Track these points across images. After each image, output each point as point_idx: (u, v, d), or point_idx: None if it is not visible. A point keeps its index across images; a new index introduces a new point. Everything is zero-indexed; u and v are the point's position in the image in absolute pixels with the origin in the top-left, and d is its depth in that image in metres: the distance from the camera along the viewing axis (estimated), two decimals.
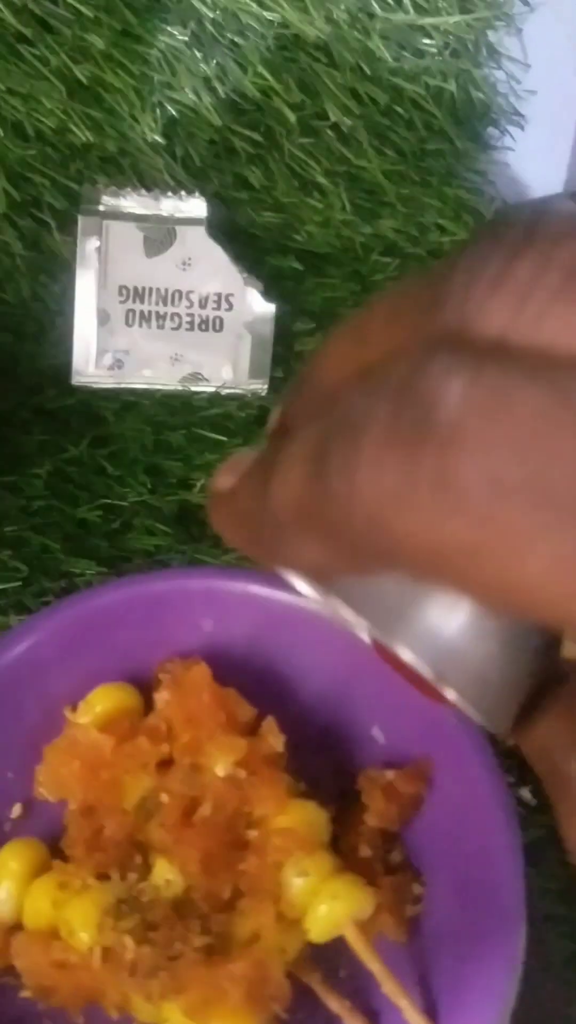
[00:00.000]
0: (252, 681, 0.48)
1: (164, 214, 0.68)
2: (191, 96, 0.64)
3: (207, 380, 0.69)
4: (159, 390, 0.69)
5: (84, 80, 0.61)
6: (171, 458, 0.68)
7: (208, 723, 0.47)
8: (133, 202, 0.68)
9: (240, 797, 0.45)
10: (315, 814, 0.46)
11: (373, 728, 0.49)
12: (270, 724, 0.47)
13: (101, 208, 0.68)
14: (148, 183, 0.68)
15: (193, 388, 0.69)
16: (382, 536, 0.18)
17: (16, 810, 0.49)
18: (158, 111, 0.64)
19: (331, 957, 0.46)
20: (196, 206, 0.68)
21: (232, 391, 0.69)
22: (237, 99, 0.64)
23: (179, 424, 0.69)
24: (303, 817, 0.45)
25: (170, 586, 0.50)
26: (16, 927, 0.47)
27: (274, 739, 0.47)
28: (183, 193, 0.67)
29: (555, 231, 0.19)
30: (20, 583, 0.63)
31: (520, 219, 0.19)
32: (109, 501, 0.66)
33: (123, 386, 0.69)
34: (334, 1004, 0.45)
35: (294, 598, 0.49)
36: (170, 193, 0.68)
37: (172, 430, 0.68)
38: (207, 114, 0.64)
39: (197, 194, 0.67)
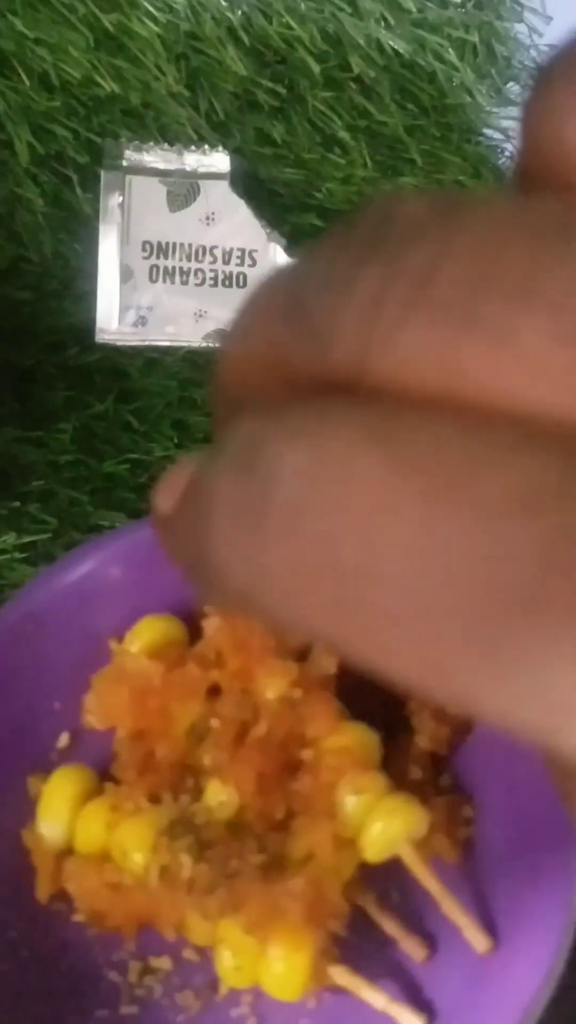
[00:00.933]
0: None
1: (187, 168, 0.68)
2: (216, 46, 0.64)
3: None
4: (183, 347, 0.69)
5: (111, 28, 0.62)
6: (196, 413, 0.68)
7: (258, 648, 0.47)
8: (156, 157, 0.68)
9: (294, 718, 0.45)
10: (367, 735, 0.46)
11: None
12: (321, 648, 0.47)
13: (124, 163, 0.68)
14: (171, 137, 0.68)
15: (217, 344, 0.69)
16: (251, 607, 0.17)
17: (63, 739, 0.49)
18: (183, 62, 0.64)
19: (382, 881, 0.46)
20: (219, 160, 0.68)
21: None
22: (262, 49, 0.64)
23: (203, 380, 0.69)
24: (356, 737, 0.45)
25: None
26: (66, 852, 0.46)
27: (326, 661, 0.46)
28: (206, 147, 0.68)
29: (404, 223, 0.16)
30: (49, 535, 0.63)
31: (371, 213, 0.17)
32: (136, 456, 0.66)
33: (147, 343, 0.69)
34: (389, 926, 0.45)
35: None
36: (193, 147, 0.68)
37: (197, 386, 0.68)
38: (232, 64, 0.64)
39: (220, 148, 0.67)
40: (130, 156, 0.68)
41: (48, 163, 0.69)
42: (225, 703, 0.46)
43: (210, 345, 0.69)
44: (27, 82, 0.64)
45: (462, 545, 0.14)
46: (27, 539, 0.63)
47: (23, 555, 0.62)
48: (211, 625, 0.48)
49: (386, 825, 0.43)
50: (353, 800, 0.44)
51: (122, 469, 0.65)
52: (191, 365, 0.69)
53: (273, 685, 0.46)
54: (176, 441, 0.67)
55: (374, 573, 0.15)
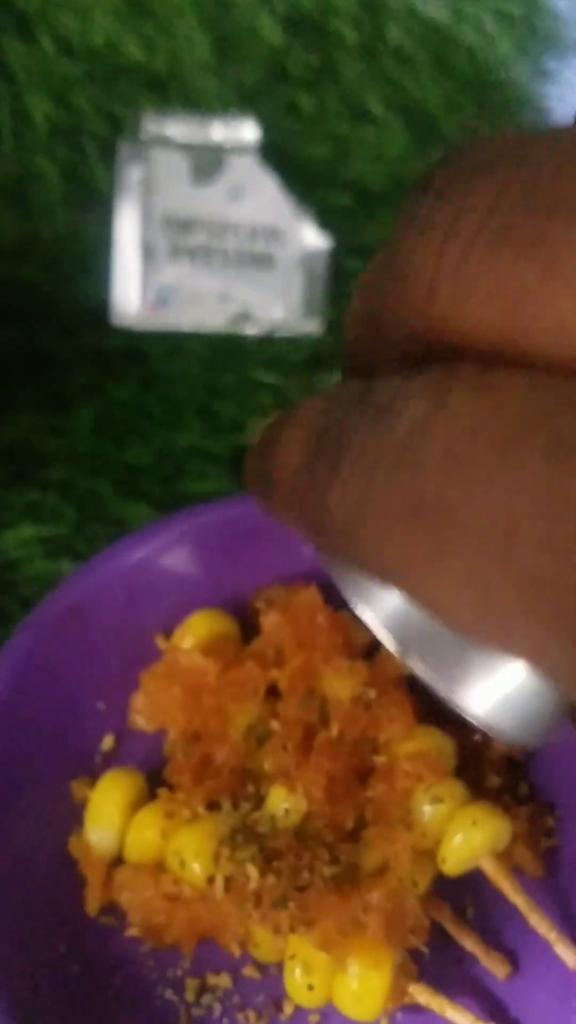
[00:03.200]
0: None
1: (212, 140, 0.65)
2: (248, 14, 0.61)
3: (257, 320, 0.66)
4: (207, 331, 0.66)
5: None
6: (222, 401, 0.64)
7: (323, 646, 0.44)
8: (179, 128, 0.65)
9: (366, 720, 0.42)
10: (443, 739, 0.43)
11: None
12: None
13: (145, 135, 0.65)
14: (196, 107, 0.64)
15: (243, 329, 0.66)
16: (352, 547, 0.18)
17: (107, 742, 0.46)
18: (213, 29, 0.61)
19: (456, 894, 0.43)
20: (247, 132, 0.65)
21: (284, 332, 0.66)
22: (295, 17, 0.61)
23: (229, 366, 0.65)
24: (432, 742, 0.42)
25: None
26: (117, 862, 0.43)
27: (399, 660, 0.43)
28: (233, 118, 0.64)
29: (475, 162, 0.17)
30: (71, 528, 0.59)
31: (449, 155, 0.18)
32: (159, 445, 0.63)
33: (169, 326, 0.66)
34: (468, 942, 0.42)
35: None
36: (219, 118, 0.65)
37: (222, 372, 0.65)
38: (264, 33, 0.61)
39: (248, 119, 0.64)
40: (152, 127, 0.65)
41: (65, 135, 0.65)
42: (288, 704, 0.43)
43: (236, 330, 0.66)
44: (48, 47, 0.61)
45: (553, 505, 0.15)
46: (46, 532, 0.59)
47: (42, 548, 0.58)
48: (270, 621, 0.45)
49: (467, 836, 0.41)
50: (431, 809, 0.41)
51: (145, 459, 0.62)
52: (215, 350, 0.66)
53: (343, 685, 0.43)
54: (202, 430, 0.63)
55: (460, 518, 0.16)
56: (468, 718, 0.23)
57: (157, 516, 0.60)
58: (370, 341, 0.21)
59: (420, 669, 0.23)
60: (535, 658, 0.17)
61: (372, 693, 0.42)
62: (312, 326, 0.65)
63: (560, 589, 0.15)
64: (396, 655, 0.24)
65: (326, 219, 0.67)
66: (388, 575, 0.18)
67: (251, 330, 0.66)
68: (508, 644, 0.17)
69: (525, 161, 0.17)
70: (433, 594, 0.17)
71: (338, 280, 0.67)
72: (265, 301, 0.65)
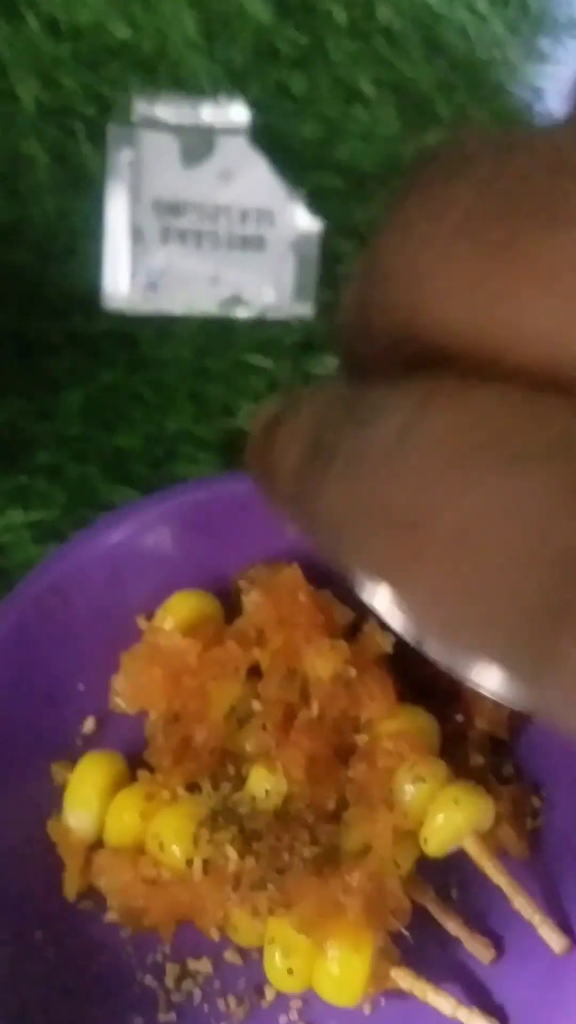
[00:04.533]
0: (340, 593, 0.44)
1: (202, 122, 0.64)
2: None
3: (248, 303, 0.65)
4: (198, 315, 0.65)
5: None
6: (213, 385, 0.64)
7: (305, 626, 0.43)
8: (169, 110, 0.64)
9: (347, 699, 0.42)
10: (425, 718, 0.42)
11: None
12: (373, 625, 0.43)
13: (134, 117, 0.64)
14: (186, 90, 0.64)
15: (234, 312, 0.65)
16: (338, 550, 0.19)
17: (89, 724, 0.45)
18: (200, 9, 0.61)
19: (440, 876, 0.43)
20: (237, 113, 0.64)
21: (276, 315, 0.65)
22: None
23: (220, 349, 0.65)
24: (414, 721, 0.42)
25: (251, 489, 0.46)
26: (96, 845, 0.42)
27: (381, 639, 0.43)
28: (223, 99, 0.64)
29: (456, 162, 0.17)
30: (59, 512, 0.59)
31: (429, 153, 0.18)
32: (149, 429, 0.62)
33: (159, 310, 0.65)
34: (452, 925, 0.41)
35: None
36: (209, 99, 0.64)
37: (213, 356, 0.65)
38: (253, 12, 0.60)
39: (238, 100, 0.64)
40: (141, 109, 0.64)
41: (54, 116, 0.65)
42: (269, 683, 0.42)
43: (227, 314, 0.65)
44: (34, 27, 0.60)
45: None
46: (35, 516, 0.59)
47: (31, 533, 0.58)
48: (251, 601, 0.44)
49: (449, 816, 0.40)
50: (413, 789, 0.40)
51: (135, 443, 0.62)
52: (207, 334, 0.65)
53: (323, 664, 0.42)
54: (192, 414, 0.63)
55: (429, 529, 0.16)
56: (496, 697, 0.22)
57: None
58: (362, 340, 0.21)
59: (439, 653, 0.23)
60: (488, 679, 0.16)
61: (353, 672, 0.41)
62: (304, 309, 0.65)
63: (516, 602, 0.16)
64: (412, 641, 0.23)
65: (318, 201, 0.66)
66: (369, 581, 0.18)
67: (242, 313, 0.65)
68: (467, 662, 0.17)
69: (505, 162, 0.17)
70: (407, 602, 0.17)
71: (330, 262, 0.66)
72: (256, 284, 0.64)
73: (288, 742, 0.41)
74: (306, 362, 0.64)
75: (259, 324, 0.65)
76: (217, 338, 0.65)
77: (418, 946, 0.40)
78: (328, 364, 0.63)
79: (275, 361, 0.64)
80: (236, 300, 0.65)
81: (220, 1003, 0.42)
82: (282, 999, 0.41)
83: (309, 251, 0.65)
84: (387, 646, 0.42)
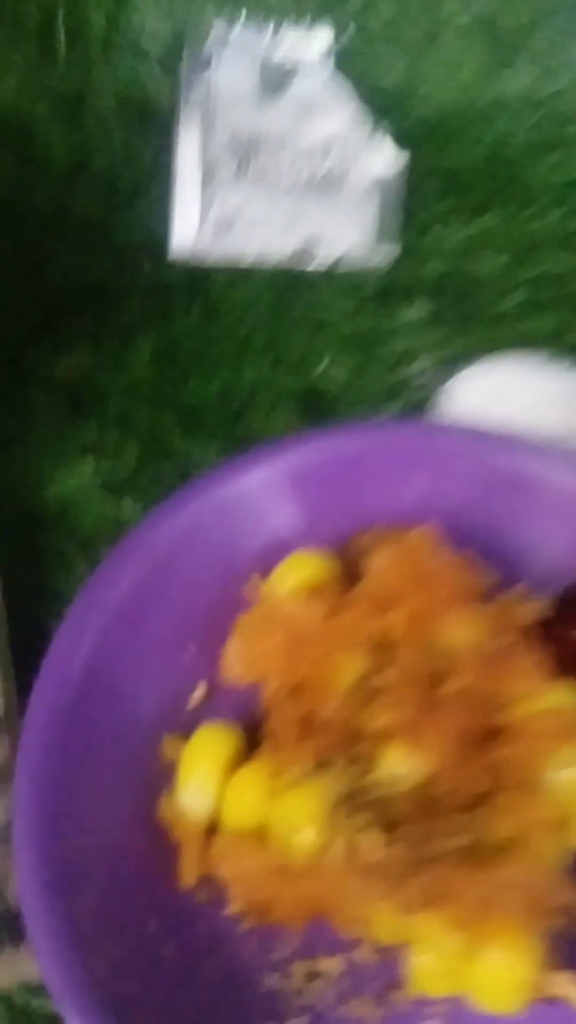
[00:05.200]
0: (479, 555, 0.40)
1: (281, 52, 0.59)
2: None
3: (327, 247, 0.60)
4: (273, 259, 0.61)
5: None
6: (290, 334, 0.59)
7: (442, 590, 0.39)
8: (248, 35, 0.59)
9: (495, 673, 0.38)
10: None
11: None
12: (519, 591, 0.39)
13: (210, 43, 0.59)
14: (265, 13, 0.59)
15: (312, 256, 0.61)
16: None
17: (199, 691, 0.41)
18: None
19: None
20: (319, 43, 0.59)
21: (356, 261, 0.61)
22: None
23: (297, 297, 0.60)
24: (569, 698, 0.38)
25: (376, 442, 0.42)
26: (213, 829, 0.38)
27: (530, 605, 0.39)
28: (305, 26, 0.59)
29: None
30: (133, 465, 0.55)
31: None
32: (224, 380, 0.58)
33: (232, 255, 0.61)
34: None
35: (527, 456, 0.41)
36: (289, 28, 0.59)
37: (290, 303, 0.60)
38: None
39: (322, 27, 0.59)
40: (218, 34, 0.59)
41: (124, 47, 0.60)
42: (404, 653, 0.38)
43: (303, 259, 0.61)
44: None
45: None
46: (106, 470, 0.54)
47: (103, 488, 0.54)
48: (379, 562, 0.40)
49: None
50: (567, 773, 0.36)
51: (210, 394, 0.57)
52: (283, 280, 0.61)
53: (466, 633, 0.38)
54: (269, 364, 0.58)
55: None
56: None
57: (224, 455, 0.55)
58: None
59: None
60: None
61: (500, 642, 0.37)
62: (385, 253, 0.60)
63: None
64: None
65: (401, 140, 0.62)
66: None
67: (321, 257, 0.61)
68: None
69: None
70: None
71: (412, 206, 0.61)
72: (336, 226, 0.60)
73: (432, 718, 0.37)
74: (388, 311, 0.60)
75: (337, 270, 0.61)
76: (294, 284, 0.60)
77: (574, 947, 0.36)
78: (411, 314, 0.59)
79: (355, 309, 0.60)
80: (313, 244, 0.60)
81: (355, 1005, 0.38)
82: (424, 1002, 0.37)
83: (391, 192, 0.60)
84: (537, 614, 0.38)
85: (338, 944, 0.38)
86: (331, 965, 0.38)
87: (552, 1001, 0.36)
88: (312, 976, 0.38)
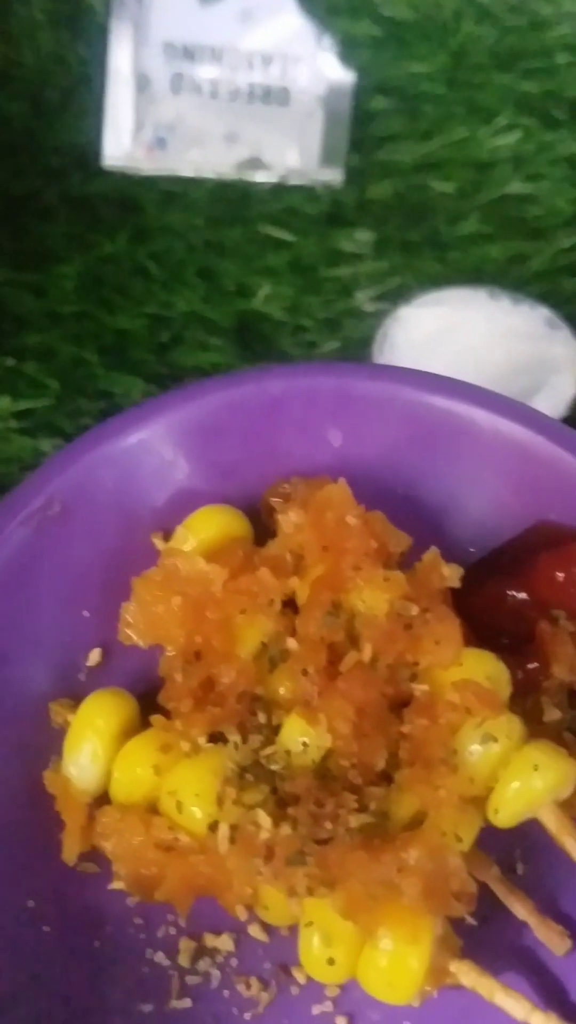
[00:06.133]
0: (391, 511, 0.38)
1: None
2: None
3: (269, 166, 0.57)
4: (210, 178, 0.57)
5: None
6: (227, 259, 0.56)
7: (354, 552, 0.36)
8: None
9: (407, 641, 0.35)
10: (495, 665, 0.36)
11: (555, 573, 0.38)
12: (435, 555, 0.37)
13: None
14: None
15: (252, 176, 0.57)
16: None
17: (94, 656, 0.39)
18: None
19: (503, 849, 0.37)
20: None
21: (300, 181, 0.57)
22: None
23: (235, 219, 0.57)
24: (484, 668, 0.35)
25: (291, 386, 0.39)
26: (100, 801, 0.36)
27: (448, 571, 0.36)
28: None
29: None
30: (52, 401, 0.52)
31: None
32: (154, 309, 0.55)
33: (166, 171, 0.57)
34: (520, 908, 0.36)
35: (453, 402, 0.38)
36: None
37: (227, 226, 0.57)
38: None
39: None
40: None
41: None
42: (309, 619, 0.36)
43: (244, 178, 0.57)
44: None
45: None
46: (25, 405, 0.52)
47: (20, 424, 0.51)
48: (289, 521, 0.37)
49: (526, 783, 0.34)
50: (481, 749, 0.34)
51: (138, 324, 0.54)
52: (220, 200, 0.57)
53: (377, 598, 0.35)
54: (202, 294, 0.55)
55: None
56: None
57: (151, 391, 0.52)
58: None
59: None
60: None
61: (414, 609, 0.35)
62: (331, 175, 0.57)
63: None
64: None
65: (350, 50, 0.58)
66: None
67: (261, 178, 0.57)
68: None
69: None
70: None
71: (361, 123, 0.58)
72: (278, 143, 0.57)
73: (333, 689, 0.35)
74: (332, 235, 0.56)
75: (280, 191, 0.57)
76: (232, 206, 0.57)
77: (480, 934, 0.34)
78: (357, 239, 0.55)
79: (297, 234, 0.56)
80: (255, 162, 0.57)
81: (241, 987, 0.36)
82: (315, 985, 0.36)
83: (339, 107, 0.57)
84: (453, 579, 0.36)
85: (227, 921, 0.36)
86: (220, 943, 0.36)
87: (456, 991, 0.34)
88: (199, 954, 0.36)
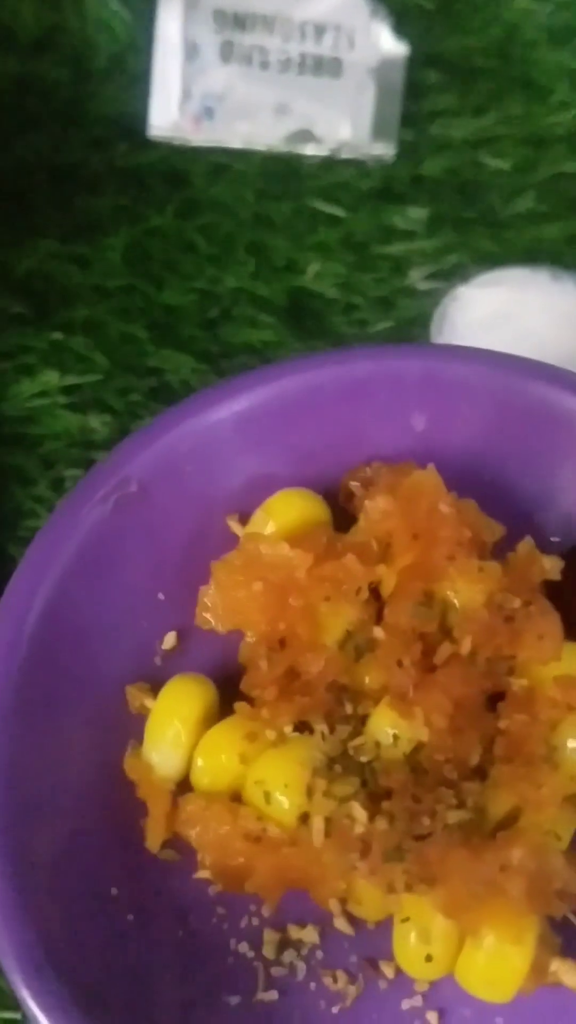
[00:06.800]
0: (478, 499, 0.37)
1: None
2: None
3: (320, 140, 0.56)
4: (259, 151, 0.56)
5: None
6: (277, 235, 0.55)
7: (446, 541, 0.35)
8: None
9: (508, 634, 0.34)
10: None
11: None
12: (531, 546, 0.36)
13: None
14: None
15: (302, 149, 0.56)
16: None
17: (169, 640, 0.37)
18: None
19: None
20: None
21: (351, 155, 0.56)
22: None
23: (284, 193, 0.56)
24: None
25: (376, 369, 0.38)
26: (182, 788, 0.35)
27: (548, 563, 0.35)
28: None
29: None
30: (100, 377, 0.50)
31: None
32: (202, 285, 0.53)
33: (215, 142, 0.56)
34: None
35: (547, 388, 0.37)
36: None
37: (276, 200, 0.56)
38: None
39: None
40: None
41: None
42: (398, 608, 0.35)
43: (293, 150, 0.56)
44: None
45: None
46: (72, 380, 0.50)
47: (68, 400, 0.50)
48: (376, 507, 0.36)
49: None
50: None
51: (187, 300, 0.53)
52: (269, 173, 0.56)
53: (473, 590, 0.34)
54: (252, 269, 0.54)
55: None
56: None
57: (201, 368, 0.51)
58: None
59: None
60: None
61: (516, 602, 0.34)
62: (384, 149, 0.56)
63: None
64: None
65: (403, 21, 0.56)
66: None
67: (312, 151, 0.56)
68: None
69: None
70: None
71: (415, 96, 0.57)
72: (330, 116, 0.55)
73: (430, 682, 0.34)
74: (384, 212, 0.55)
75: (331, 164, 0.56)
76: (282, 179, 0.56)
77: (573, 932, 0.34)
78: (410, 215, 0.54)
79: (348, 209, 0.55)
80: (305, 135, 0.55)
81: (328, 980, 0.35)
82: (404, 979, 0.35)
83: (392, 80, 0.55)
84: (554, 572, 0.35)
85: (312, 912, 0.35)
86: (305, 935, 0.36)
87: (550, 988, 0.33)
88: (284, 946, 0.35)
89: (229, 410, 0.37)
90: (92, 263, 0.53)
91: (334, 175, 0.56)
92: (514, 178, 0.55)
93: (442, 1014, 0.35)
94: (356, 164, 0.56)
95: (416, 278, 0.53)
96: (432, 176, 0.55)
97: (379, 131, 0.55)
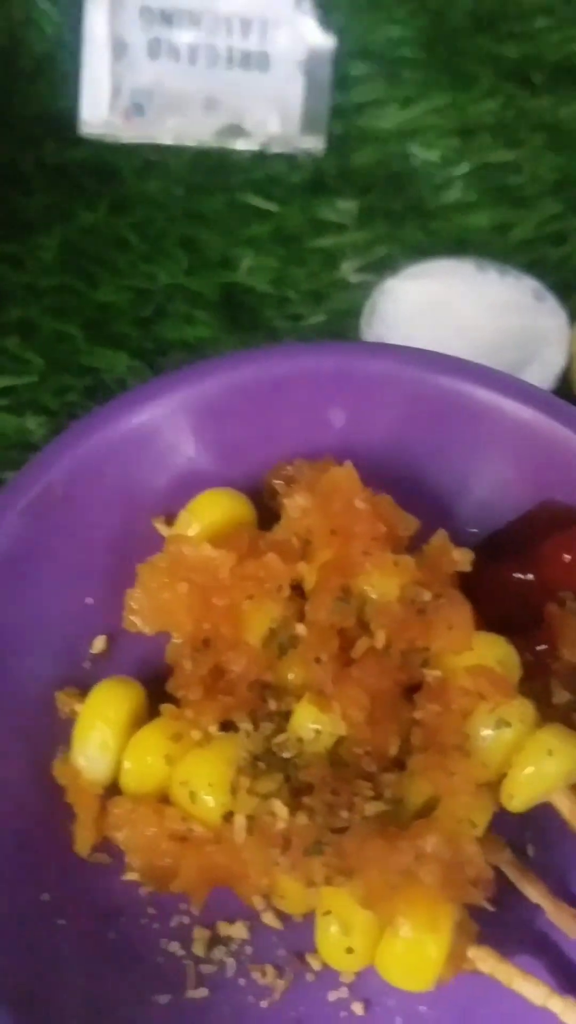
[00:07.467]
0: (393, 493, 0.37)
1: None
2: None
3: (249, 134, 0.56)
4: (190, 146, 0.56)
5: None
6: (209, 229, 0.55)
7: (362, 536, 0.36)
8: None
9: (420, 626, 0.35)
10: (506, 649, 0.35)
11: (562, 555, 0.38)
12: (444, 538, 0.36)
13: None
14: None
15: (232, 143, 0.56)
16: None
17: (98, 644, 0.38)
18: None
19: (514, 833, 0.37)
20: None
21: (281, 148, 0.56)
22: None
23: (216, 188, 0.56)
24: (495, 653, 0.35)
25: (291, 367, 0.38)
26: (111, 792, 0.36)
27: (459, 555, 0.36)
28: None
29: None
30: (36, 378, 0.51)
31: None
32: (137, 282, 0.54)
33: (145, 138, 0.56)
34: (532, 892, 0.36)
35: (459, 382, 0.38)
36: None
37: (208, 195, 0.56)
38: None
39: None
40: None
41: None
42: (319, 605, 0.36)
43: (224, 145, 0.56)
44: None
45: None
46: (8, 382, 0.51)
47: (4, 402, 0.50)
48: (295, 505, 0.37)
49: (540, 768, 0.34)
50: (494, 734, 0.34)
51: (121, 298, 0.53)
52: (200, 169, 0.56)
53: (387, 583, 0.35)
54: (185, 265, 0.54)
55: None
56: None
57: (136, 366, 0.51)
58: None
59: None
60: None
61: (427, 595, 0.35)
62: (313, 142, 0.56)
63: None
64: None
65: (330, 13, 0.57)
66: None
67: (242, 145, 0.56)
68: None
69: None
70: None
71: (343, 88, 0.57)
72: (259, 110, 0.56)
73: (347, 677, 0.34)
74: (315, 205, 0.55)
75: (261, 158, 0.56)
76: (213, 174, 0.56)
77: (493, 918, 0.34)
78: (340, 208, 0.55)
79: (279, 203, 0.55)
80: (235, 129, 0.56)
81: (257, 975, 0.36)
82: (330, 972, 0.36)
83: (320, 72, 0.56)
84: (464, 563, 0.36)
85: (240, 909, 0.36)
86: (234, 931, 0.36)
87: (471, 976, 0.34)
88: (214, 943, 0.36)
89: (150, 412, 0.38)
90: (25, 262, 0.53)
91: (264, 169, 0.56)
92: (442, 169, 0.55)
93: (368, 1004, 0.36)
94: (286, 158, 0.56)
95: (348, 271, 0.54)
96: (361, 168, 0.56)
97: (308, 124, 0.56)
